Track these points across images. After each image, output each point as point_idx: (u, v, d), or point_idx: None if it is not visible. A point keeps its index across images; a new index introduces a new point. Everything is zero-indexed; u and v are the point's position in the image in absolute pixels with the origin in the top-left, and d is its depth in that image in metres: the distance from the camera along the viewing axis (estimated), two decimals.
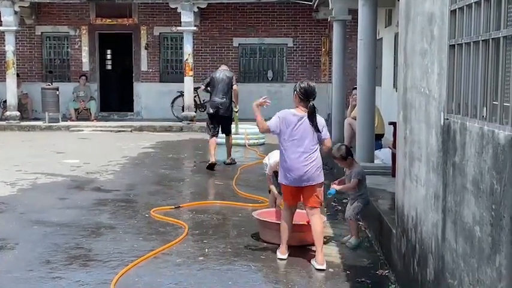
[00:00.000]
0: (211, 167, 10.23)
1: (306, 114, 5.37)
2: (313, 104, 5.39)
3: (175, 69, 18.85)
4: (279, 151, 5.77)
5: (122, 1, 17.61)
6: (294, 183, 5.43)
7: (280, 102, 13.66)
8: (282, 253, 5.51)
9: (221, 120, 10.67)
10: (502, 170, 2.62)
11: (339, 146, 6.09)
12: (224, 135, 10.86)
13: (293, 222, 5.65)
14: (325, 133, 5.47)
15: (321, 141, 5.47)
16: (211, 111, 10.68)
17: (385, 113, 11.24)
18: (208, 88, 10.77)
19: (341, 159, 5.92)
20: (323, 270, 5.23)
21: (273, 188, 6.56)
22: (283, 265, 5.40)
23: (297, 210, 5.78)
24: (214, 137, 10.65)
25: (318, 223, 5.43)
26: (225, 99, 10.62)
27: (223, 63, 11.76)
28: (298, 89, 5.43)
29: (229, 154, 10.91)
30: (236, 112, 11.21)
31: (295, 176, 5.37)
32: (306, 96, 5.39)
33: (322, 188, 5.57)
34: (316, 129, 5.37)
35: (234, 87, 10.75)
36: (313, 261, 5.32)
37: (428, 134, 3.91)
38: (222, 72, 10.87)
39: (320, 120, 5.46)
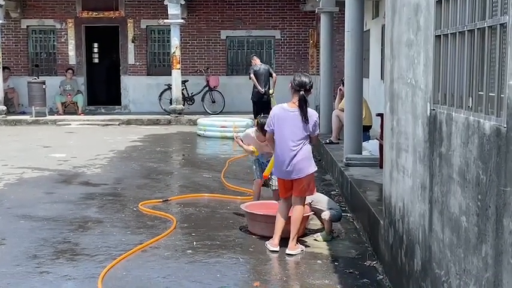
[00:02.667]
0: None
1: (297, 107, 5.42)
2: (303, 95, 5.42)
3: (162, 62, 18.77)
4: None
5: None
6: (285, 176, 5.53)
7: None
8: (273, 245, 5.51)
9: (263, 105, 13.39)
10: (488, 160, 2.63)
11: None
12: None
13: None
14: (313, 130, 5.48)
15: (310, 135, 5.51)
16: (255, 99, 13.97)
17: (373, 105, 11.27)
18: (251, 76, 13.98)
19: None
20: (292, 255, 5.37)
21: (240, 142, 6.83)
22: (271, 257, 5.39)
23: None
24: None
25: (297, 211, 5.52)
26: (266, 89, 13.89)
27: (255, 56, 14.89)
28: (292, 82, 5.51)
29: None
30: (272, 95, 13.86)
31: (285, 170, 5.48)
32: (298, 89, 5.44)
33: (313, 178, 5.62)
34: (306, 121, 5.39)
35: (274, 76, 14.12)
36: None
37: (414, 124, 3.91)
38: (261, 66, 14.25)
39: (311, 115, 5.47)
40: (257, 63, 14.29)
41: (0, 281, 4.77)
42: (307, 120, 5.40)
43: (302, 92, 5.40)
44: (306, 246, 5.65)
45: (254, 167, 6.96)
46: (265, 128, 5.67)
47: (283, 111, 5.49)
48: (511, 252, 2.39)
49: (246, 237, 5.93)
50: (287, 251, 5.41)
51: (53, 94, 17.53)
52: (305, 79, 5.47)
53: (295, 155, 5.39)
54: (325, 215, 5.86)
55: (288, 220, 5.57)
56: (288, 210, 5.62)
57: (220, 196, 7.74)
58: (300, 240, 5.70)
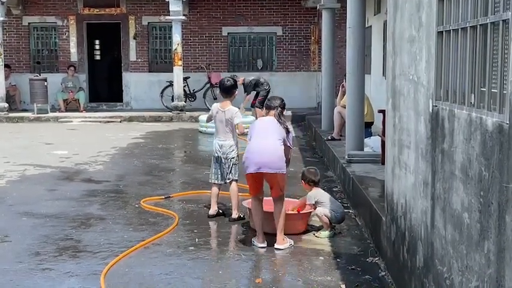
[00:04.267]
0: None
1: (274, 118, 5.69)
2: (280, 111, 5.69)
3: (164, 59, 18.76)
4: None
5: None
6: (255, 167, 5.47)
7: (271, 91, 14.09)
8: (260, 242, 5.57)
9: None
10: (490, 157, 2.62)
11: (315, 170, 6.23)
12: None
13: (289, 212, 5.87)
14: (288, 138, 5.65)
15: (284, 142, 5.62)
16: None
17: (375, 101, 11.25)
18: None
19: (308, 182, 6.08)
20: (280, 249, 5.43)
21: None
22: (273, 254, 5.40)
23: (288, 199, 5.95)
24: None
25: (278, 210, 5.59)
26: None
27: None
28: (266, 103, 5.91)
29: None
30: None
31: (257, 159, 5.46)
32: (273, 107, 5.75)
33: (284, 179, 5.64)
34: (283, 126, 5.62)
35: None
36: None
37: (417, 121, 3.91)
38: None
39: (288, 126, 5.75)
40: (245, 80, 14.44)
41: (3, 277, 4.78)
42: (284, 125, 5.64)
43: (279, 109, 5.70)
44: (311, 244, 5.66)
45: (235, 164, 6.61)
46: (247, 139, 5.82)
47: (261, 119, 5.83)
48: None
49: (248, 234, 5.93)
50: (275, 246, 5.47)
51: (55, 91, 17.53)
52: (277, 100, 5.80)
53: (271, 148, 5.46)
54: (319, 211, 5.87)
55: (265, 215, 5.65)
56: (261, 206, 5.69)
57: (222, 193, 7.73)
58: (300, 237, 5.70)
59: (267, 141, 5.51)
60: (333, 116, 10.73)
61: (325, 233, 5.87)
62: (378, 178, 6.78)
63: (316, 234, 5.90)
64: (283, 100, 5.85)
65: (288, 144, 5.64)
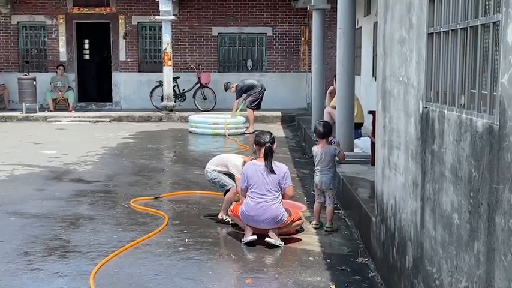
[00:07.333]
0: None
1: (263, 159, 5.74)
2: (268, 147, 5.72)
3: (154, 59, 18.71)
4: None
5: None
6: (254, 224, 5.69)
7: None
8: (248, 235, 5.65)
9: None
10: (480, 158, 2.64)
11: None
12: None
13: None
14: (284, 182, 5.73)
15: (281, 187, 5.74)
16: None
17: (365, 102, 11.29)
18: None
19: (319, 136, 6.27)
20: (270, 242, 5.52)
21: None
22: (263, 254, 5.40)
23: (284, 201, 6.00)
24: None
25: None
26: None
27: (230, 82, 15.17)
28: (256, 140, 5.89)
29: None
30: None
31: (255, 219, 5.64)
32: (263, 143, 5.78)
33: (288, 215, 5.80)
34: (272, 171, 5.66)
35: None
36: None
37: (407, 122, 3.93)
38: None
39: (280, 166, 5.78)
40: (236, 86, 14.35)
41: None
42: (274, 171, 5.66)
43: (268, 145, 5.73)
44: (302, 244, 5.66)
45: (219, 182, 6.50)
46: (240, 186, 5.89)
47: (253, 166, 5.76)
48: (503, 249, 2.40)
49: (238, 234, 5.93)
50: (266, 238, 5.53)
51: (44, 90, 17.43)
52: (266, 136, 5.83)
53: (272, 212, 5.56)
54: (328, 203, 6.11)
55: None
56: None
57: (212, 193, 7.72)
58: (290, 239, 5.70)
59: (265, 200, 5.59)
60: (322, 117, 10.74)
61: (329, 226, 6.05)
62: (367, 179, 6.80)
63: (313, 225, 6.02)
64: (272, 134, 5.92)
65: (286, 187, 5.70)
